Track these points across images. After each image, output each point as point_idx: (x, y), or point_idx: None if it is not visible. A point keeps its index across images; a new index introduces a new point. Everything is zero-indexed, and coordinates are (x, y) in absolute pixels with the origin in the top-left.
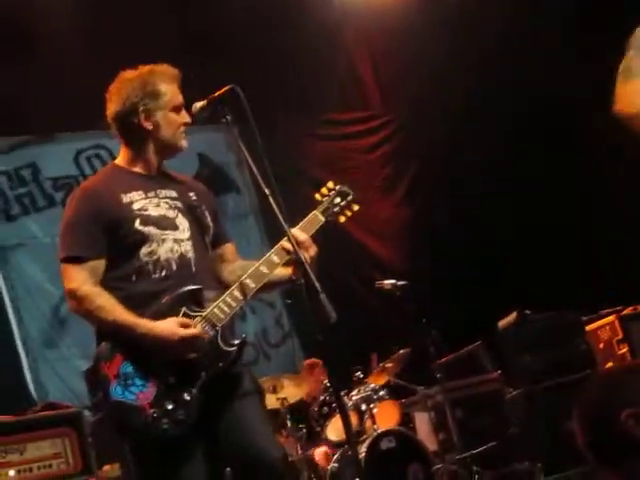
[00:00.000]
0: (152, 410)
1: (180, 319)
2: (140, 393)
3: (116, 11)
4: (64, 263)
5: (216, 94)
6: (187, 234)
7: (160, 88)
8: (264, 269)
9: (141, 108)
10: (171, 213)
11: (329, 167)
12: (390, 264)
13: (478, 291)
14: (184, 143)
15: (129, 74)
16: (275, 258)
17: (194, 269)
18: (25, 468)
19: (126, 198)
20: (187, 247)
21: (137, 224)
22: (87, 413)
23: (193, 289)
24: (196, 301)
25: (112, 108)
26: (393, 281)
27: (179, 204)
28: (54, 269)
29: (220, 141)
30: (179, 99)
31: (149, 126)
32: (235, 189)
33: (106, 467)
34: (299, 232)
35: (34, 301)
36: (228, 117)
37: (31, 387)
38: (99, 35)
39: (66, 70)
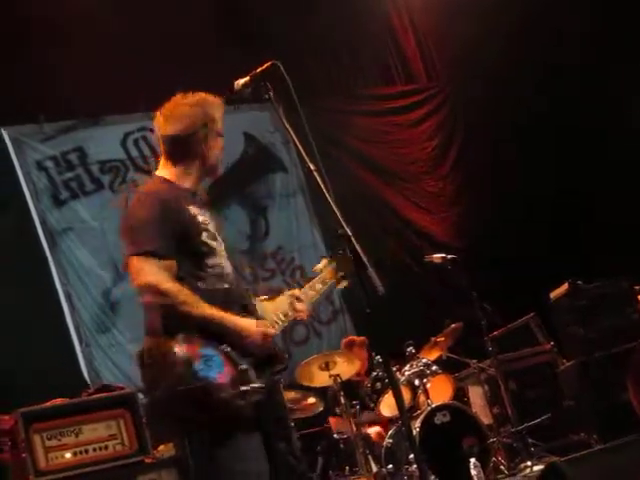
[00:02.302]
0: (231, 389)
1: (258, 321)
2: (219, 374)
3: None
4: (139, 256)
5: (258, 70)
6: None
7: (216, 116)
8: (311, 291)
9: (201, 133)
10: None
11: (374, 142)
12: (439, 238)
13: (529, 262)
14: (221, 170)
15: (187, 99)
16: (318, 286)
17: (240, 284)
18: (81, 450)
19: (190, 210)
20: (230, 264)
21: (204, 236)
22: (140, 395)
23: (253, 303)
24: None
25: (169, 129)
26: (443, 255)
27: (214, 223)
28: (104, 253)
29: (266, 120)
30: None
31: (205, 150)
32: (282, 168)
33: (161, 447)
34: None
35: (85, 286)
36: (270, 93)
37: (84, 371)
38: (142, 18)
39: (110, 53)
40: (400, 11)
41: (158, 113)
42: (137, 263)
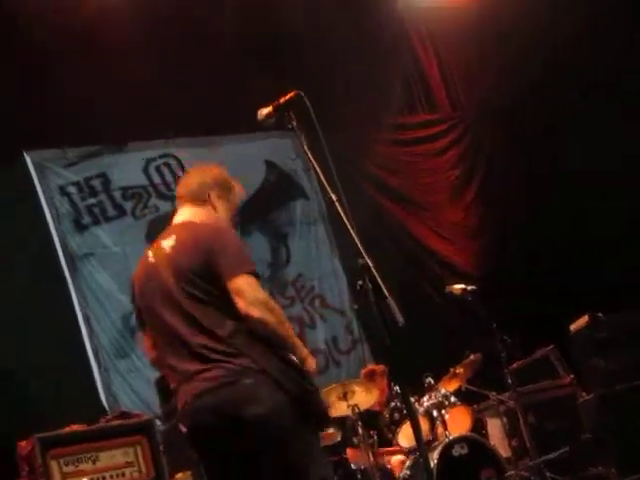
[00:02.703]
0: None
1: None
2: None
3: (181, 21)
4: (249, 275)
5: (281, 100)
6: None
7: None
8: None
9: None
10: None
11: (396, 171)
12: (460, 268)
13: (549, 294)
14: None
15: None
16: None
17: None
18: (98, 476)
19: None
20: None
21: None
22: (158, 422)
23: None
24: None
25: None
26: (463, 285)
27: None
28: (124, 278)
29: (287, 147)
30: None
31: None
32: (303, 195)
33: (178, 475)
34: None
35: (105, 310)
36: (294, 123)
37: (102, 396)
38: (167, 44)
39: (135, 80)
40: (424, 41)
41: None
42: (250, 280)
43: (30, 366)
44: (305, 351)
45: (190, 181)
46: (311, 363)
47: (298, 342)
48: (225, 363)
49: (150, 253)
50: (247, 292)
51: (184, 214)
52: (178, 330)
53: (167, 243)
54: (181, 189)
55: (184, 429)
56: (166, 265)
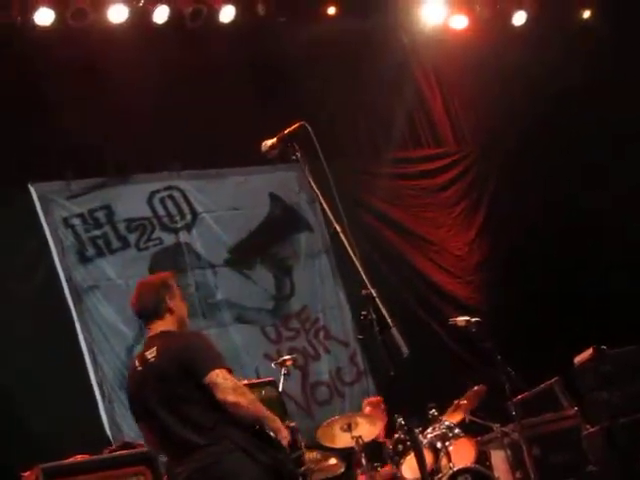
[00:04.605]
0: None
1: None
2: None
3: (185, 52)
4: (222, 368)
5: (286, 131)
6: None
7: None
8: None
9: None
10: None
11: (400, 205)
12: (464, 301)
13: (554, 327)
14: None
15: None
16: None
17: None
18: None
19: None
20: None
21: None
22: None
23: None
24: None
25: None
26: (467, 318)
27: None
28: (128, 311)
29: (292, 180)
30: None
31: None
32: (308, 228)
33: None
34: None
35: (108, 343)
36: (298, 154)
37: (106, 427)
38: (170, 77)
39: (139, 112)
40: (428, 74)
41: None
42: (222, 372)
43: (34, 397)
44: (278, 424)
45: (145, 299)
46: (285, 435)
47: (271, 416)
48: (210, 447)
49: (137, 362)
50: (221, 383)
51: (157, 327)
52: (169, 427)
53: (150, 353)
54: (139, 310)
55: None
56: (151, 373)
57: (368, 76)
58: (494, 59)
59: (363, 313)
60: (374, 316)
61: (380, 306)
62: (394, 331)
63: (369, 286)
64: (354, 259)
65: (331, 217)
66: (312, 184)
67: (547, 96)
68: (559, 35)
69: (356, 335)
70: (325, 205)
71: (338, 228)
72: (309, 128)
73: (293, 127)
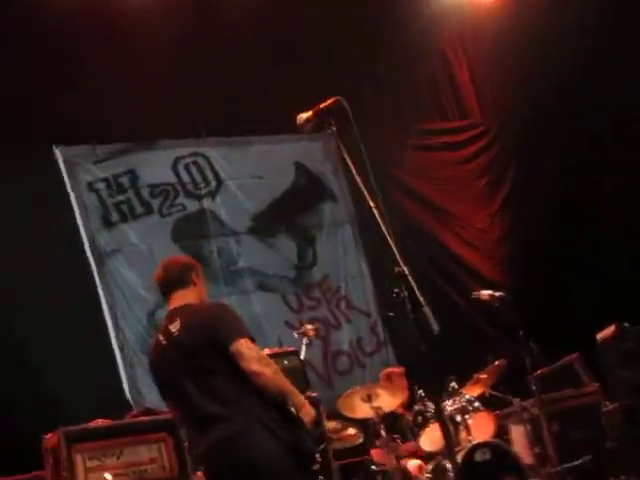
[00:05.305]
0: None
1: None
2: None
3: (212, 22)
4: (247, 338)
5: (322, 105)
6: None
7: None
8: None
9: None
10: None
11: (424, 177)
12: (486, 275)
13: (576, 303)
14: None
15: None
16: None
17: None
18: (121, 472)
19: None
20: None
21: None
22: None
23: None
24: None
25: None
26: (490, 292)
27: None
28: (150, 276)
29: (317, 150)
30: None
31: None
32: (332, 198)
33: (200, 473)
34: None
35: (130, 307)
36: (334, 128)
37: (127, 392)
38: (197, 42)
39: (167, 78)
40: (455, 45)
41: None
42: (247, 342)
43: (57, 360)
44: (301, 400)
45: (171, 270)
46: (307, 411)
47: (294, 391)
48: (233, 418)
49: (161, 337)
50: (245, 352)
51: (179, 299)
52: (193, 400)
53: (174, 327)
54: (166, 278)
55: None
56: (176, 346)
57: (393, 46)
58: (520, 32)
59: (395, 290)
60: (406, 294)
61: (413, 284)
62: (426, 309)
63: (401, 264)
64: (387, 236)
65: (365, 193)
66: (347, 159)
67: (570, 69)
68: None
69: (377, 306)
70: (359, 180)
71: (372, 204)
72: (345, 103)
73: (329, 101)
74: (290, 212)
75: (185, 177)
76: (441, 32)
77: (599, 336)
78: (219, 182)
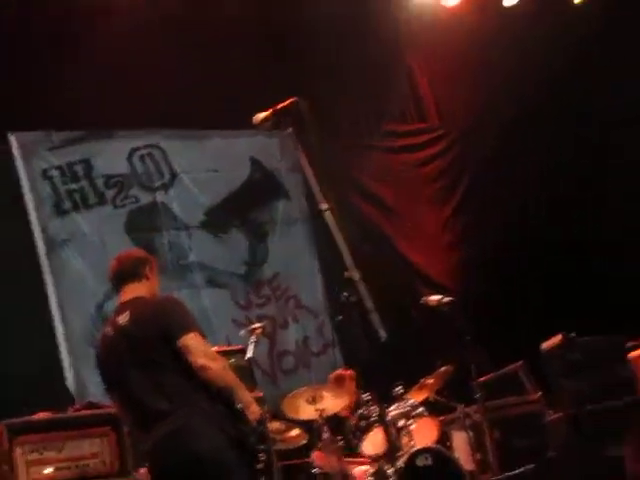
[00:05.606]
0: None
1: None
2: None
3: (174, 13)
4: (195, 332)
5: (279, 106)
6: None
7: None
8: None
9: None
10: None
11: (385, 180)
12: (436, 280)
13: (524, 311)
14: None
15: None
16: None
17: None
18: (62, 466)
19: None
20: None
21: None
22: None
23: None
24: None
25: None
26: (439, 297)
27: None
28: (100, 267)
29: (274, 146)
30: None
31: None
32: (286, 196)
33: (142, 469)
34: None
35: (79, 297)
36: (291, 129)
37: (71, 385)
38: (157, 34)
39: (125, 68)
40: (418, 52)
41: None
42: (195, 336)
43: (2, 349)
44: (248, 397)
45: (125, 263)
46: (253, 409)
47: (242, 388)
48: (177, 411)
49: (108, 328)
50: (193, 346)
51: (130, 292)
52: (139, 395)
53: (122, 318)
54: (119, 271)
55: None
56: (124, 338)
57: (358, 49)
58: (484, 39)
59: (344, 295)
60: (355, 299)
61: (362, 290)
62: (374, 316)
63: (352, 269)
64: (339, 241)
65: (319, 196)
66: (304, 161)
67: (533, 80)
68: (550, 18)
69: (327, 306)
70: (315, 181)
71: (325, 207)
72: (302, 104)
73: (287, 102)
74: (244, 208)
75: (140, 169)
76: (404, 37)
77: (544, 345)
78: (173, 175)
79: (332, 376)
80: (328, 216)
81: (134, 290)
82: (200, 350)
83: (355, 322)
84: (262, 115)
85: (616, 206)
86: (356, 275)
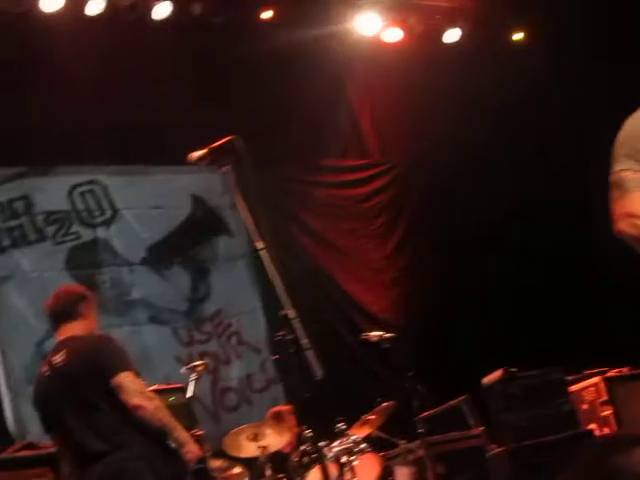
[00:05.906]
0: None
1: None
2: None
3: (119, 46)
4: (129, 371)
5: (215, 144)
6: None
7: None
8: None
9: None
10: None
11: (321, 214)
12: (379, 315)
13: (465, 346)
14: None
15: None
16: None
17: None
18: None
19: None
20: None
21: None
22: None
23: None
24: None
25: None
26: (380, 333)
27: None
28: (40, 304)
29: (216, 182)
30: None
31: None
32: (227, 232)
33: None
34: None
35: (19, 335)
36: (227, 167)
37: (10, 424)
38: (99, 70)
39: (66, 103)
40: (360, 86)
41: None
42: (129, 375)
43: None
44: (185, 436)
45: (60, 301)
46: (190, 449)
47: (178, 427)
48: (112, 454)
49: (44, 368)
50: (127, 386)
51: (66, 331)
52: (74, 436)
53: (58, 358)
54: (54, 310)
55: None
56: (59, 377)
57: (301, 85)
58: (426, 75)
59: (280, 333)
60: (291, 337)
61: (297, 328)
62: (309, 354)
63: (287, 306)
64: (274, 280)
65: (254, 233)
66: (239, 201)
67: (478, 117)
68: (492, 55)
69: (269, 342)
70: (251, 220)
71: (261, 246)
72: (239, 143)
73: (223, 140)
74: (185, 244)
75: (80, 205)
76: (348, 73)
77: (486, 380)
78: (115, 211)
79: (270, 412)
80: (264, 255)
81: (70, 329)
82: (134, 389)
83: (291, 360)
84: (198, 153)
85: (540, 246)
86: (292, 313)
